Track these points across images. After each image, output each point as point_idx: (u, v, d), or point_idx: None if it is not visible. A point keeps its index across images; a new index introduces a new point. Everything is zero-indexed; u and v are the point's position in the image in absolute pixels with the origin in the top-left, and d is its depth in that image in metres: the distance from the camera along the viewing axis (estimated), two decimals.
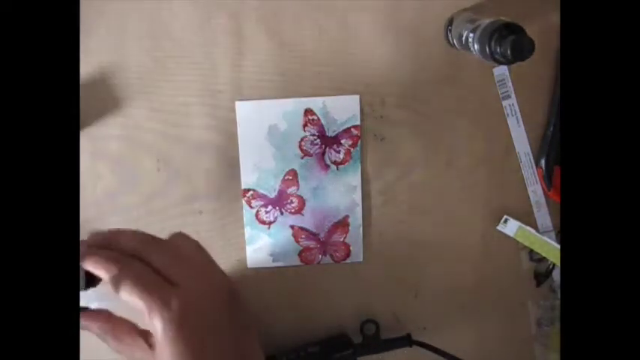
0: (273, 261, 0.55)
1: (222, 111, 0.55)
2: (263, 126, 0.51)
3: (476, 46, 0.46)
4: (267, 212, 0.54)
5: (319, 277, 0.58)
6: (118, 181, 0.56)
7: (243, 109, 0.51)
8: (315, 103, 0.51)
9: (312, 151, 0.52)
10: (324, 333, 0.59)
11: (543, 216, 0.58)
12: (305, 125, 0.51)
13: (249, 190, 0.53)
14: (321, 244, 0.55)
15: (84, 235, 0.56)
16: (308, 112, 0.51)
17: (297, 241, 0.55)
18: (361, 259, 0.57)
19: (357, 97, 0.52)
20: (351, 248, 0.56)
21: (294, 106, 0.51)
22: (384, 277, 0.59)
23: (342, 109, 0.51)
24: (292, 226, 0.54)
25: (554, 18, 0.54)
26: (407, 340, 0.57)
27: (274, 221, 0.54)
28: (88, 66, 0.54)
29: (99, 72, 0.54)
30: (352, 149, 0.53)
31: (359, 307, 0.59)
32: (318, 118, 0.51)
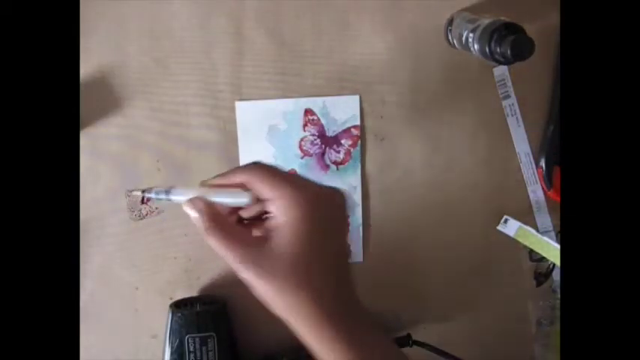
0: None
1: (222, 111, 0.55)
2: (263, 126, 0.51)
3: (476, 46, 0.46)
4: None
5: None
6: (118, 181, 0.56)
7: (243, 109, 0.51)
8: (315, 103, 0.51)
9: (312, 151, 0.52)
10: None
11: (543, 216, 0.58)
12: (305, 125, 0.51)
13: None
14: None
15: (83, 234, 0.56)
16: (308, 112, 0.51)
17: None
18: (361, 259, 0.57)
19: (357, 97, 0.52)
20: (350, 248, 0.56)
21: (295, 106, 0.51)
22: (384, 277, 0.59)
23: (342, 109, 0.51)
24: None
25: (554, 18, 0.54)
26: (407, 340, 0.56)
27: None
28: (88, 66, 0.54)
29: (99, 72, 0.54)
30: (352, 149, 0.53)
31: None
32: (318, 118, 0.51)
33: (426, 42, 0.54)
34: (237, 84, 0.55)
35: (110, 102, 0.55)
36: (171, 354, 0.54)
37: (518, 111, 0.56)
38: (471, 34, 0.47)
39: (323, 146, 0.52)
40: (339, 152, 0.53)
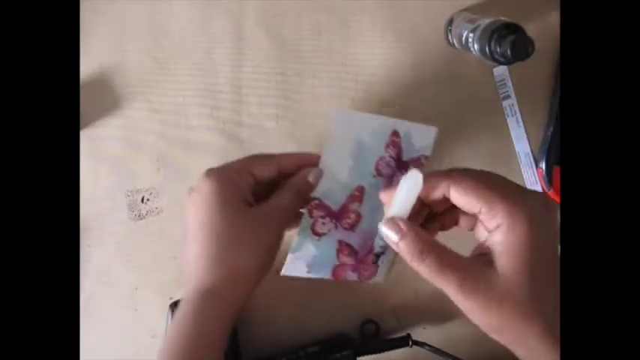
0: (308, 272, 0.51)
1: (222, 111, 0.55)
2: (350, 138, 0.48)
3: (476, 46, 0.46)
4: (323, 224, 0.50)
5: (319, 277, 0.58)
6: (117, 181, 0.56)
7: (342, 118, 0.47)
8: (403, 126, 0.49)
9: (384, 172, 0.50)
10: (324, 333, 0.59)
11: None
12: (388, 146, 0.50)
13: (314, 198, 0.49)
14: (356, 262, 0.53)
15: (83, 234, 0.56)
16: (394, 133, 0.49)
17: (338, 256, 0.51)
18: (382, 280, 0.56)
19: (434, 130, 0.50)
20: (379, 269, 0.54)
21: (384, 124, 0.49)
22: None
23: (420, 137, 0.50)
24: (340, 241, 0.51)
25: (554, 18, 0.54)
26: (407, 340, 0.56)
27: (326, 233, 0.50)
28: (88, 66, 0.54)
29: (99, 72, 0.54)
30: None
31: (359, 307, 0.59)
32: (400, 142, 0.49)
33: (426, 42, 0.54)
34: (237, 84, 0.55)
35: (110, 102, 0.55)
36: None
37: (518, 111, 0.56)
38: (471, 34, 0.47)
39: (395, 169, 0.51)
40: None
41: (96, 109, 0.55)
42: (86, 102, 0.54)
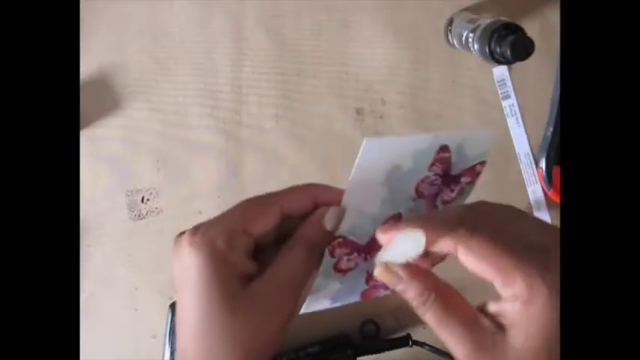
0: (332, 304, 0.46)
1: (222, 111, 0.55)
2: (384, 167, 0.40)
3: (476, 46, 0.46)
4: (349, 260, 0.42)
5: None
6: (117, 181, 0.56)
7: (372, 149, 0.38)
8: (453, 139, 0.42)
9: (426, 192, 0.42)
10: (324, 333, 0.59)
11: (543, 216, 0.57)
12: (433, 164, 0.41)
13: (337, 237, 0.41)
14: None
15: (83, 234, 0.56)
16: (442, 149, 0.41)
17: (368, 282, 0.45)
18: None
19: (491, 134, 0.44)
20: None
21: (430, 142, 0.41)
22: None
23: (475, 146, 0.42)
24: (370, 271, 0.44)
25: (554, 18, 0.54)
26: (407, 340, 0.56)
27: (353, 268, 0.43)
28: (88, 66, 0.54)
29: (99, 72, 0.54)
30: (467, 186, 0.44)
31: (359, 307, 0.59)
32: (450, 156, 0.41)
33: (426, 42, 0.54)
34: (237, 84, 0.55)
35: (110, 102, 0.55)
36: (172, 354, 0.55)
37: (518, 111, 0.56)
38: (471, 34, 0.47)
39: (441, 186, 0.42)
40: (453, 191, 0.43)
41: (96, 109, 0.55)
42: (86, 102, 0.54)
